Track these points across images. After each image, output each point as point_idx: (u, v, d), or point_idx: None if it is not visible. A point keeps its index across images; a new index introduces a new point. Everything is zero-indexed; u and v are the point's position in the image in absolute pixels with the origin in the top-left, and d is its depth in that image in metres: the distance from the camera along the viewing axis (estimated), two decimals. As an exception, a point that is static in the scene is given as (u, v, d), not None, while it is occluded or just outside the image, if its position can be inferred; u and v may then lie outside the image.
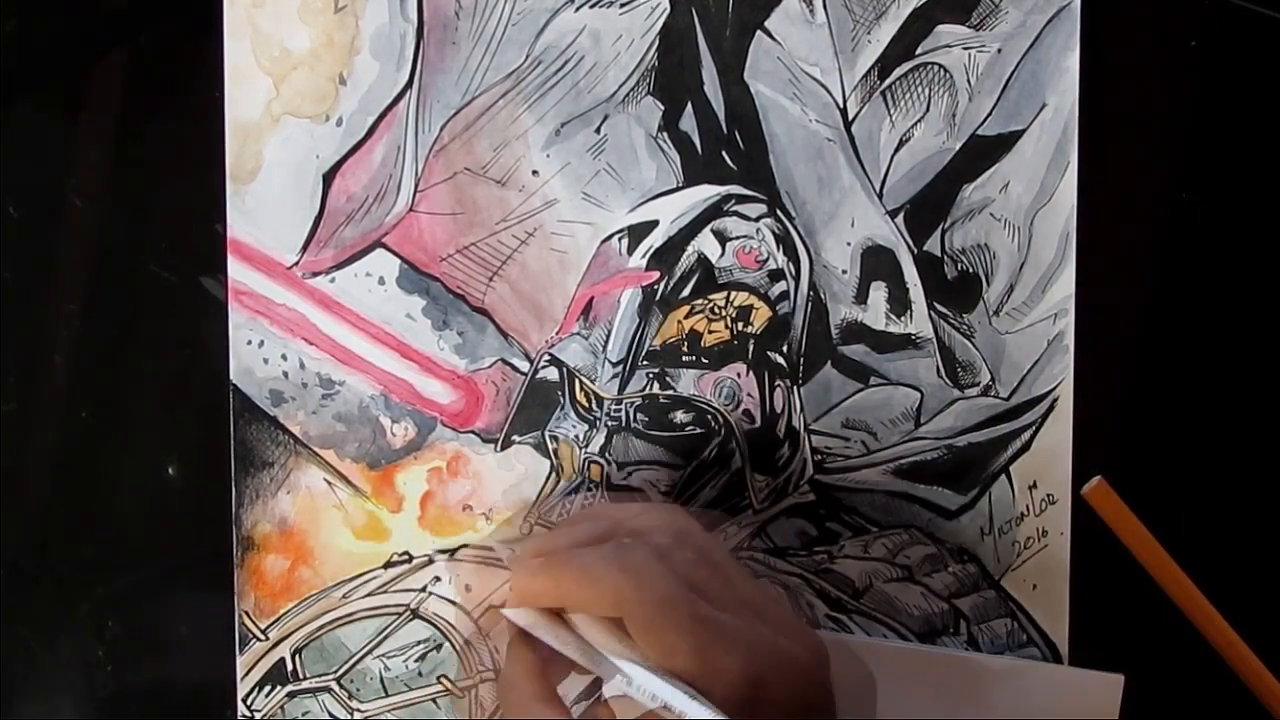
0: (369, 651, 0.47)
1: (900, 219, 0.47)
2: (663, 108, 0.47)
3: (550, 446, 0.47)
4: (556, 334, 0.47)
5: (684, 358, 0.47)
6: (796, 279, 0.47)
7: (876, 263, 0.48)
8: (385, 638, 0.47)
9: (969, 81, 0.47)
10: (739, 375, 0.48)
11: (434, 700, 0.47)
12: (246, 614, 0.47)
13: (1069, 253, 0.47)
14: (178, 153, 0.46)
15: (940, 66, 0.47)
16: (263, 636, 0.47)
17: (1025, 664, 0.47)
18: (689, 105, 0.47)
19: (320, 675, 0.47)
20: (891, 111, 0.47)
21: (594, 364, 0.47)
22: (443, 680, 0.47)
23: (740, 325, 0.47)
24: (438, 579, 0.47)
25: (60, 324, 0.46)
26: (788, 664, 0.39)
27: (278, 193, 0.46)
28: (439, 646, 0.47)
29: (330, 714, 0.47)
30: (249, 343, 0.46)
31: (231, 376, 0.46)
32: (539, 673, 0.41)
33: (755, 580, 0.42)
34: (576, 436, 0.47)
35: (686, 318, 0.47)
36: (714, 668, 0.38)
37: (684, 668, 0.38)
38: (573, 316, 0.47)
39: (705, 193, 0.47)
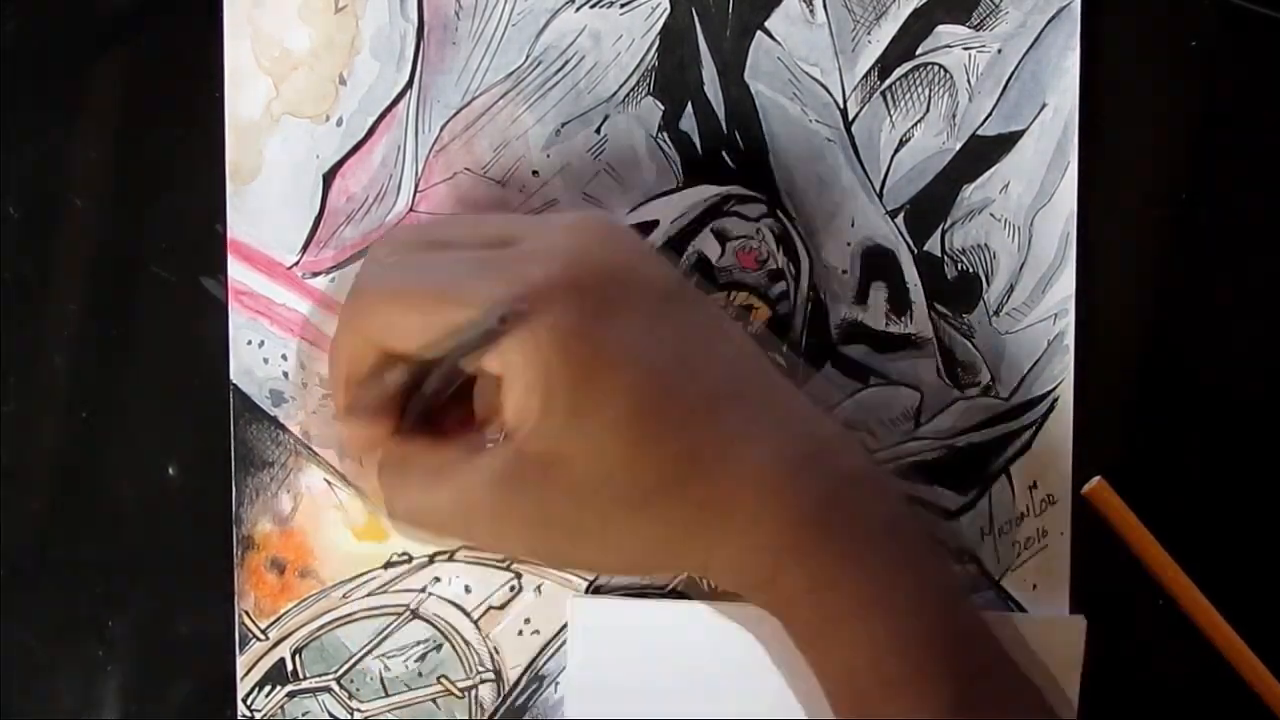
0: (369, 652, 0.47)
1: (900, 219, 0.47)
2: (663, 108, 0.47)
3: (550, 446, 0.47)
4: (556, 334, 0.47)
5: (684, 358, 0.47)
6: (796, 279, 0.47)
7: (876, 263, 0.48)
8: (385, 638, 0.47)
9: (969, 82, 0.47)
10: (739, 375, 0.48)
11: (434, 700, 0.47)
12: (246, 614, 0.47)
13: (1069, 253, 0.47)
14: (178, 153, 0.46)
15: (940, 67, 0.47)
16: (263, 636, 0.47)
17: (985, 615, 0.47)
18: (689, 105, 0.47)
19: (320, 675, 0.47)
20: (891, 112, 0.47)
21: (594, 364, 0.47)
22: (443, 680, 0.47)
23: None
24: (438, 579, 0.47)
25: (60, 324, 0.46)
26: (594, 251, 0.38)
27: (278, 193, 0.46)
28: (439, 646, 0.47)
29: (330, 714, 0.47)
30: (249, 343, 0.46)
31: (231, 376, 0.46)
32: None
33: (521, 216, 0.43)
34: (576, 436, 0.47)
35: (686, 318, 0.47)
36: (525, 288, 0.36)
37: (498, 303, 0.36)
38: (573, 316, 0.47)
39: (705, 193, 0.47)
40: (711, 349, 0.39)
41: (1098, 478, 0.47)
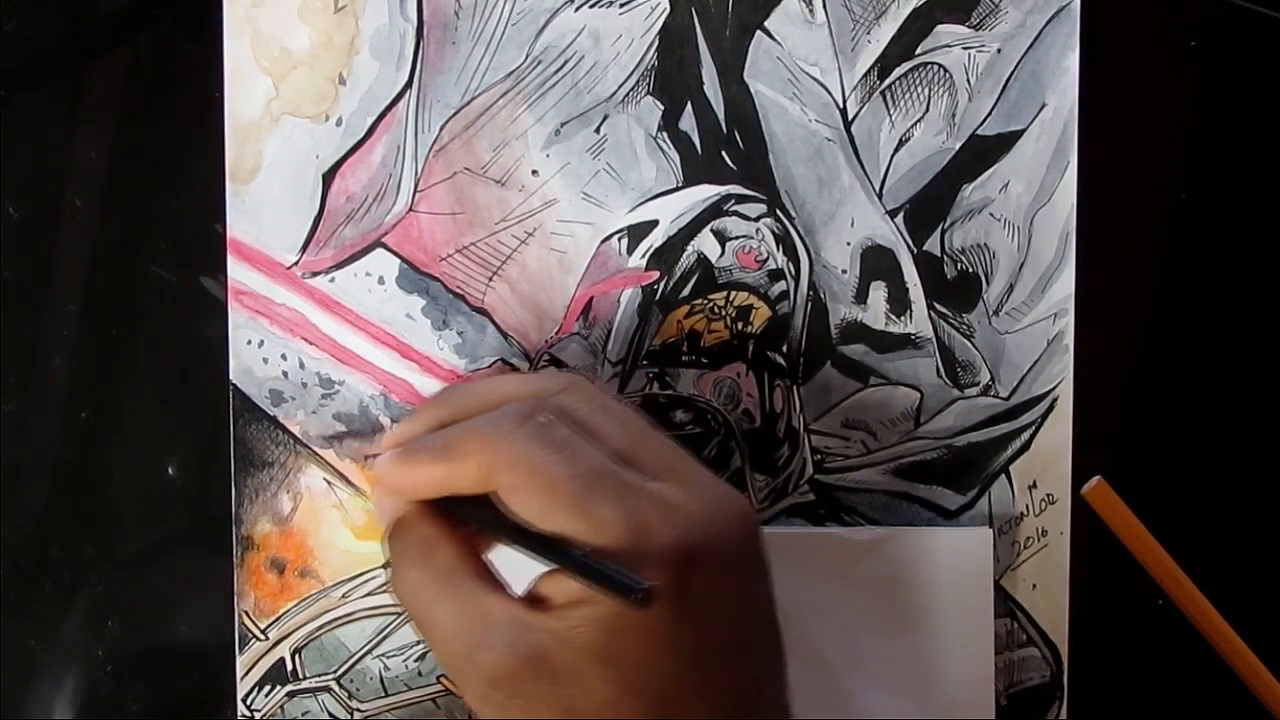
0: (369, 651, 0.47)
1: (900, 219, 0.47)
2: (662, 108, 0.47)
3: (550, 446, 0.47)
4: (556, 334, 0.47)
5: (684, 358, 0.47)
6: (796, 279, 0.47)
7: (876, 263, 0.48)
8: (385, 638, 0.47)
9: (969, 81, 0.47)
10: (739, 375, 0.48)
11: (434, 700, 0.47)
12: (246, 614, 0.47)
13: (1069, 253, 0.47)
14: (178, 153, 0.46)
15: (940, 66, 0.47)
16: (263, 636, 0.47)
17: (890, 531, 0.47)
18: (689, 105, 0.47)
19: (320, 675, 0.47)
20: (891, 111, 0.47)
21: (594, 364, 0.47)
22: (443, 680, 0.47)
23: (740, 325, 0.47)
24: (437, 579, 0.47)
25: (60, 324, 0.46)
26: (721, 527, 0.37)
27: (278, 193, 0.46)
28: (439, 646, 0.47)
29: (330, 714, 0.47)
30: (249, 343, 0.46)
31: (231, 376, 0.46)
32: (440, 549, 0.39)
33: (677, 447, 0.40)
34: (576, 436, 0.47)
35: (686, 318, 0.47)
36: (647, 538, 0.36)
37: (616, 539, 0.36)
38: (572, 316, 0.47)
39: (705, 193, 0.47)
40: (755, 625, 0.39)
41: (1097, 478, 0.47)
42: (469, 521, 0.39)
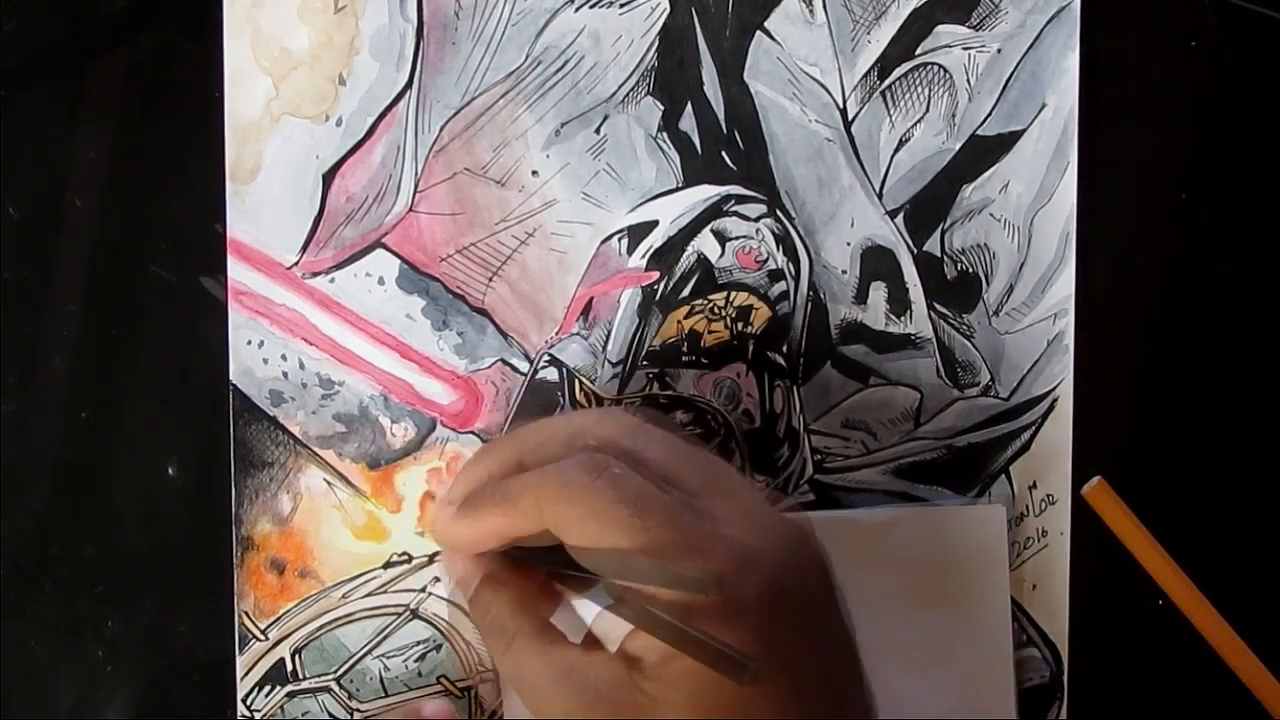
0: (369, 651, 0.47)
1: (900, 219, 0.47)
2: (662, 108, 0.47)
3: (550, 446, 0.47)
4: (556, 334, 0.47)
5: (684, 358, 0.47)
6: (796, 279, 0.47)
7: (876, 263, 0.48)
8: (385, 638, 0.47)
9: (969, 81, 0.47)
10: (739, 375, 0.48)
11: (434, 700, 0.47)
12: (246, 614, 0.47)
13: (1069, 253, 0.47)
14: (178, 153, 0.46)
15: (940, 66, 0.47)
16: (262, 636, 0.47)
17: (902, 512, 0.47)
18: (689, 105, 0.47)
19: (320, 675, 0.47)
20: (891, 112, 0.47)
21: (594, 364, 0.47)
22: (443, 680, 0.47)
23: (740, 325, 0.47)
24: (437, 579, 0.47)
25: (60, 324, 0.46)
26: (798, 573, 0.38)
27: (278, 193, 0.46)
28: (439, 646, 0.47)
29: (330, 714, 0.47)
30: (249, 343, 0.46)
31: (231, 376, 0.46)
32: (530, 607, 0.40)
33: (724, 463, 0.41)
34: (576, 436, 0.47)
35: (686, 318, 0.47)
36: (702, 554, 0.37)
37: (696, 598, 0.36)
38: (572, 317, 0.47)
39: (705, 193, 0.47)
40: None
41: (1097, 478, 0.47)
42: (549, 571, 0.40)
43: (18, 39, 0.46)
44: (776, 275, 0.47)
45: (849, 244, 0.47)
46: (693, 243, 0.47)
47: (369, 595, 0.47)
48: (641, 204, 0.47)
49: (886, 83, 0.47)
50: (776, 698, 0.37)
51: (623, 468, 0.38)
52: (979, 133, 0.47)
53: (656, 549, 0.37)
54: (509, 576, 0.41)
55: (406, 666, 0.47)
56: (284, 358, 0.46)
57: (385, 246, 0.46)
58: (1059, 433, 0.48)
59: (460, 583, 0.42)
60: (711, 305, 0.47)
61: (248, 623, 0.47)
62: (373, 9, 0.45)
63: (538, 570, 0.41)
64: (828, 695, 0.38)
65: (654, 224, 0.47)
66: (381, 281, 0.46)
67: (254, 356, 0.46)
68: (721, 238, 0.47)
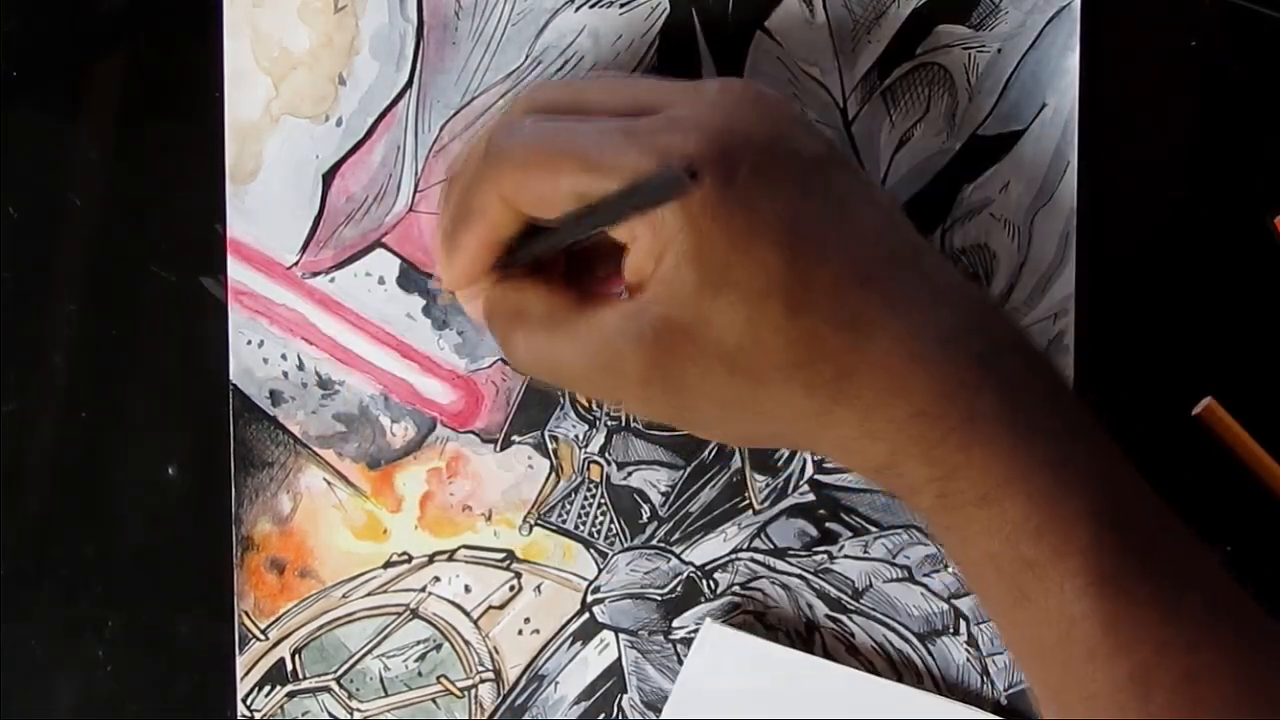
0: (369, 651, 0.47)
1: (900, 219, 0.47)
2: (662, 108, 0.46)
3: (550, 447, 0.47)
4: (556, 334, 0.47)
5: (684, 358, 0.47)
6: (796, 279, 0.47)
7: (876, 263, 0.47)
8: (385, 638, 0.47)
9: (969, 81, 0.47)
10: (739, 375, 0.47)
11: (434, 700, 0.47)
12: (246, 614, 0.47)
13: (1069, 253, 0.47)
14: (178, 153, 0.46)
15: (940, 66, 0.47)
16: (262, 636, 0.47)
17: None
18: (689, 105, 0.47)
19: (320, 675, 0.47)
20: (891, 112, 0.47)
21: (594, 364, 0.47)
22: (443, 680, 0.47)
23: (740, 325, 0.47)
24: (437, 579, 0.47)
25: (60, 324, 0.46)
26: (743, 118, 0.37)
27: (277, 193, 0.46)
28: (439, 646, 0.47)
29: (330, 714, 0.47)
30: (249, 343, 0.46)
31: (231, 376, 0.46)
32: (548, 288, 0.40)
33: (654, 77, 0.42)
34: (576, 436, 0.47)
35: (686, 318, 0.47)
36: (650, 151, 0.36)
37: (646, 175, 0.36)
38: (572, 316, 0.47)
39: (705, 193, 0.47)
40: (862, 217, 0.38)
41: (1209, 398, 0.47)
42: (535, 253, 0.39)
43: (18, 39, 0.46)
44: (776, 275, 0.47)
45: (849, 244, 0.47)
46: (693, 243, 0.47)
47: (369, 595, 0.47)
48: (641, 204, 0.47)
49: (886, 83, 0.47)
50: (766, 226, 0.36)
51: (534, 118, 0.39)
52: (979, 133, 0.47)
53: (590, 163, 0.36)
54: (508, 285, 0.40)
55: (406, 666, 0.47)
56: (284, 357, 0.46)
57: (385, 246, 0.46)
58: (1059, 433, 0.48)
59: (490, 316, 0.41)
60: (711, 305, 0.47)
61: (248, 623, 0.47)
62: (373, 9, 0.45)
63: (530, 256, 0.40)
64: (825, 219, 0.37)
65: (654, 224, 0.47)
66: (381, 281, 0.46)
67: (254, 356, 0.46)
68: (721, 238, 0.47)
